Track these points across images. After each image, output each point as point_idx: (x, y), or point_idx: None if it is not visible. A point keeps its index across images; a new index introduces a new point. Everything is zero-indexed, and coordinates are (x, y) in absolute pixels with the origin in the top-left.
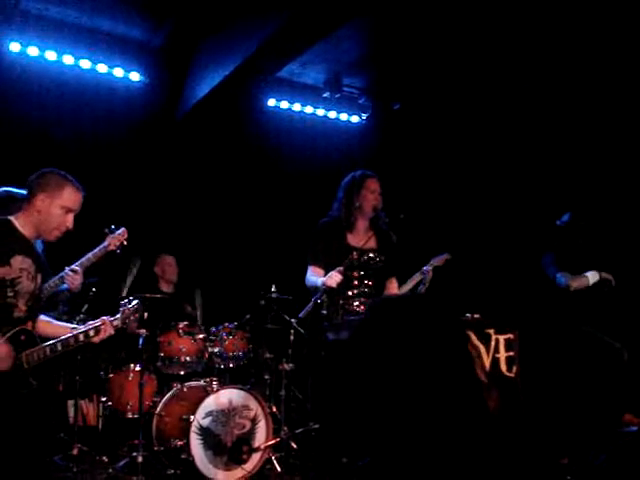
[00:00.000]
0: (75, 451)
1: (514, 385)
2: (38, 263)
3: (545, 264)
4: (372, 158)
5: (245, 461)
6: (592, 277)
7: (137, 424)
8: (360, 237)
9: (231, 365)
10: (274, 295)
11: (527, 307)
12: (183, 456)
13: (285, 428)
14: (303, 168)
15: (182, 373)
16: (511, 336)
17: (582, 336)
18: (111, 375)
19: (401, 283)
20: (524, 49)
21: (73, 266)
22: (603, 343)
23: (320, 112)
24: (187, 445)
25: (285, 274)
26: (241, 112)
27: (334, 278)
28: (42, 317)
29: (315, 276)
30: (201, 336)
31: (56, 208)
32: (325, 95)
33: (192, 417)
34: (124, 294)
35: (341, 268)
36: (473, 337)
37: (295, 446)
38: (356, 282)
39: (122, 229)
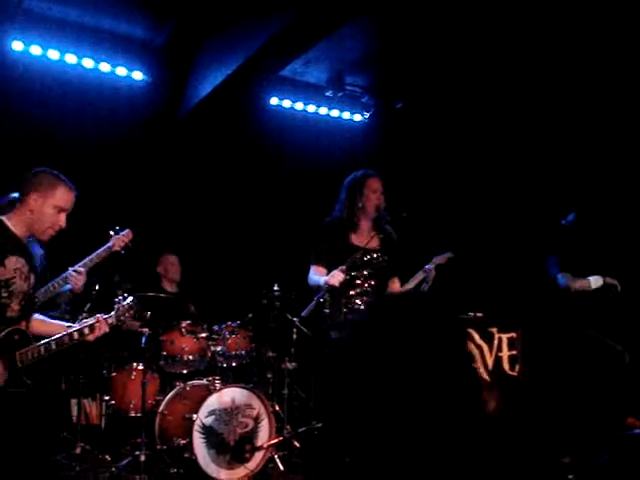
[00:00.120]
0: (78, 450)
1: (516, 384)
2: (31, 263)
3: (549, 265)
4: (375, 157)
5: (248, 460)
6: (594, 282)
7: (140, 423)
8: (364, 237)
9: (234, 364)
10: (277, 294)
11: (530, 306)
12: (186, 455)
13: (288, 427)
14: (305, 167)
15: (185, 372)
16: (514, 335)
17: (584, 337)
18: (114, 374)
19: (403, 282)
20: (528, 47)
21: (77, 267)
22: (605, 345)
23: (323, 111)
24: (190, 444)
25: (288, 273)
26: (244, 111)
27: (337, 277)
28: (36, 316)
29: (318, 275)
30: (204, 335)
31: (49, 208)
32: (328, 94)
33: (195, 416)
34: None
35: (344, 267)
36: (476, 336)
37: (298, 445)
38: (359, 281)
39: (127, 230)
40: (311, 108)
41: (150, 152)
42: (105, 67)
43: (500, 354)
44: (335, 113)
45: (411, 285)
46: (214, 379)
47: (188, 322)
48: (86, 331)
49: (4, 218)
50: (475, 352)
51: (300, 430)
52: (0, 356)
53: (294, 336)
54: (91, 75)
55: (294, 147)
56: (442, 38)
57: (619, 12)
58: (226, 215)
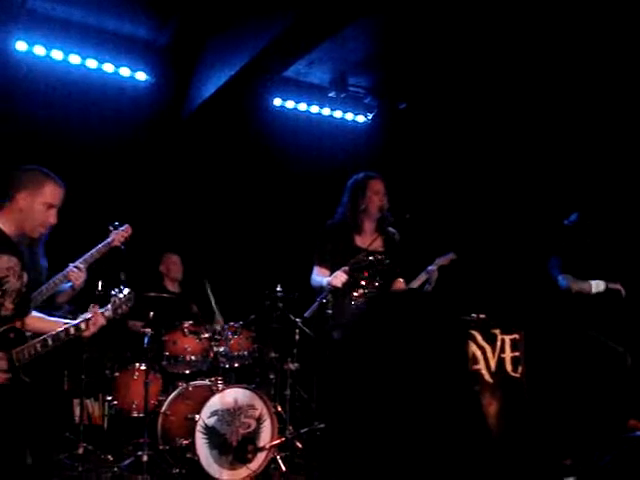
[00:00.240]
0: (81, 450)
1: (519, 385)
2: (23, 261)
3: (550, 266)
4: (378, 158)
5: (250, 460)
6: (595, 286)
7: (142, 423)
8: (367, 238)
9: (236, 364)
10: (279, 294)
11: (533, 308)
12: (188, 455)
13: (290, 427)
14: (308, 168)
15: (187, 372)
16: (517, 336)
17: (587, 339)
18: (116, 374)
19: (406, 283)
20: (532, 48)
21: (77, 263)
22: (607, 347)
23: (326, 112)
24: (192, 444)
25: (291, 274)
26: (247, 112)
27: (339, 278)
28: (34, 313)
29: (321, 276)
30: (206, 335)
31: (39, 205)
32: (331, 95)
33: (197, 416)
34: (219, 318)
35: (346, 268)
36: (479, 337)
37: (300, 445)
38: (363, 282)
39: (126, 225)
40: (314, 109)
41: (153, 152)
42: (109, 67)
43: (503, 355)
44: (338, 114)
45: (414, 286)
46: (217, 379)
47: (191, 322)
48: (83, 326)
49: None
50: (478, 353)
51: (302, 431)
52: None
53: (297, 337)
54: (95, 75)
55: (297, 148)
56: (445, 39)
57: (619, 12)
58: (229, 216)
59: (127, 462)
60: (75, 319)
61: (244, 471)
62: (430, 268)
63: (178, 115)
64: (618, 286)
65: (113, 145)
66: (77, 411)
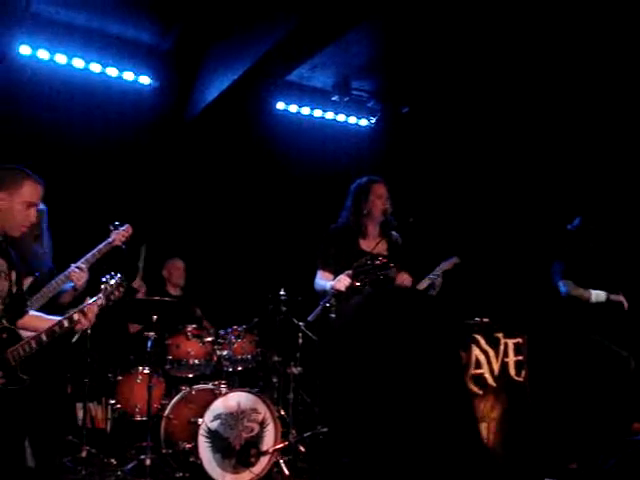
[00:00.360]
0: (84, 453)
1: (522, 389)
2: (10, 261)
3: (553, 271)
4: (381, 161)
5: (253, 464)
6: (595, 296)
7: (145, 427)
8: (372, 242)
9: (239, 368)
10: (283, 298)
11: (536, 312)
12: (191, 459)
13: (293, 431)
14: (312, 171)
15: (190, 376)
16: (520, 340)
17: (590, 343)
18: (120, 378)
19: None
20: (535, 53)
21: (78, 263)
22: (610, 351)
23: (329, 115)
24: (195, 448)
25: (294, 277)
26: (250, 116)
27: (342, 282)
28: (32, 312)
29: (324, 280)
30: (209, 339)
31: (18, 205)
32: (334, 98)
33: (200, 420)
34: (139, 280)
35: (350, 272)
36: (482, 341)
37: (303, 449)
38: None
39: (126, 225)
40: (317, 113)
41: (157, 156)
42: (112, 72)
43: (506, 359)
44: (341, 118)
45: None
46: (220, 383)
47: (194, 326)
48: (75, 317)
49: None
50: (481, 357)
51: (305, 435)
52: None
53: (300, 341)
54: (98, 79)
55: (300, 152)
56: (448, 43)
57: (623, 16)
58: (232, 219)
59: (130, 466)
60: None
61: (247, 475)
62: (434, 274)
63: (181, 119)
64: (620, 298)
65: (116, 149)
66: (80, 414)
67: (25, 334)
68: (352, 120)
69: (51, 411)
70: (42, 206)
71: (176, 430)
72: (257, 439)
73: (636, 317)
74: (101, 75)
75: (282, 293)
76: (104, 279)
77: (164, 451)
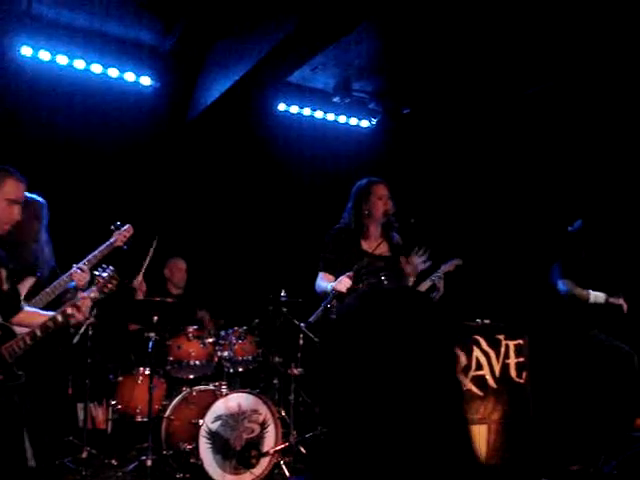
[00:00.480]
0: (84, 454)
1: (524, 390)
2: None
3: (553, 271)
4: (382, 162)
5: (254, 465)
6: (594, 297)
7: (146, 428)
8: (373, 243)
9: (240, 369)
10: (283, 299)
11: (537, 313)
12: (192, 460)
13: (294, 432)
14: (312, 173)
15: (191, 377)
16: (521, 342)
17: (591, 341)
18: (120, 378)
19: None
20: (538, 55)
21: (80, 264)
22: (613, 347)
23: (330, 117)
24: (196, 449)
25: (295, 279)
26: (251, 117)
27: (344, 283)
28: (27, 309)
29: (325, 282)
30: (210, 340)
31: (1, 203)
32: (335, 100)
33: (201, 421)
34: (142, 272)
35: (351, 273)
36: (483, 342)
37: (304, 451)
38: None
39: (127, 225)
40: (318, 114)
41: (158, 157)
42: (113, 72)
43: (507, 361)
44: (342, 119)
45: None
46: (220, 384)
47: (195, 327)
48: (69, 311)
49: None
50: (482, 359)
51: (306, 436)
52: None
53: (301, 342)
54: (99, 80)
55: (301, 153)
56: (449, 44)
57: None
58: (233, 220)
59: (131, 467)
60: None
61: (248, 476)
62: (435, 275)
63: (182, 120)
64: (620, 301)
65: (117, 149)
66: (81, 415)
67: (21, 330)
68: (353, 121)
69: (52, 412)
70: (41, 200)
71: (177, 431)
72: (258, 440)
73: (636, 318)
74: (102, 76)
75: (283, 294)
76: (97, 272)
77: (165, 452)
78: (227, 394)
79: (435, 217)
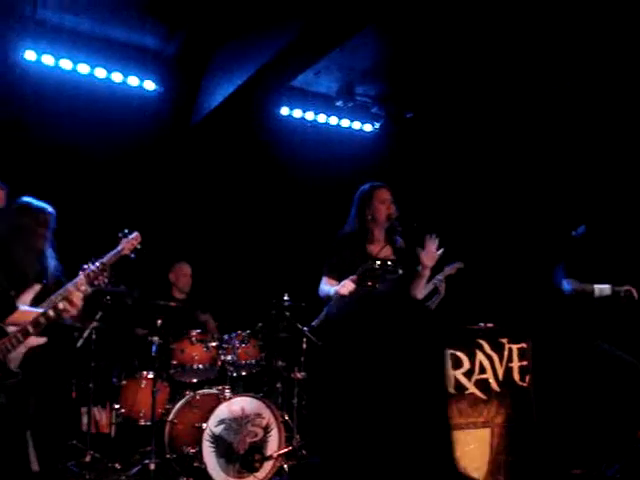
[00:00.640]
0: (88, 458)
1: (527, 394)
2: None
3: (556, 272)
4: (385, 167)
5: (257, 469)
6: (598, 290)
7: (150, 431)
8: (378, 247)
9: (244, 373)
10: (287, 303)
11: (541, 317)
12: (195, 464)
13: (297, 436)
14: (316, 177)
15: (195, 381)
16: (524, 345)
17: (596, 349)
18: (124, 382)
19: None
20: (540, 58)
21: (88, 270)
22: (616, 358)
23: (333, 121)
24: (199, 453)
25: (298, 282)
26: (254, 121)
27: (347, 287)
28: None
29: (328, 286)
30: (214, 344)
31: None
32: (338, 104)
33: (204, 425)
34: None
35: (354, 277)
36: (486, 346)
37: (307, 454)
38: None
39: (135, 233)
40: (321, 118)
41: (162, 161)
42: (117, 77)
43: (511, 364)
44: (345, 123)
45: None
46: (224, 388)
47: (198, 331)
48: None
49: None
50: (485, 362)
51: (309, 440)
52: None
53: (304, 346)
54: (103, 85)
55: (304, 157)
56: (452, 48)
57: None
58: (236, 224)
59: (134, 470)
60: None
61: None
62: (437, 278)
63: (186, 124)
64: (628, 287)
65: (121, 154)
66: (84, 419)
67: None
68: (356, 125)
69: (56, 415)
70: (50, 209)
71: (180, 435)
72: (261, 444)
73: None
74: (106, 80)
75: (286, 298)
76: (84, 266)
77: (168, 456)
78: (230, 398)
79: (438, 221)
